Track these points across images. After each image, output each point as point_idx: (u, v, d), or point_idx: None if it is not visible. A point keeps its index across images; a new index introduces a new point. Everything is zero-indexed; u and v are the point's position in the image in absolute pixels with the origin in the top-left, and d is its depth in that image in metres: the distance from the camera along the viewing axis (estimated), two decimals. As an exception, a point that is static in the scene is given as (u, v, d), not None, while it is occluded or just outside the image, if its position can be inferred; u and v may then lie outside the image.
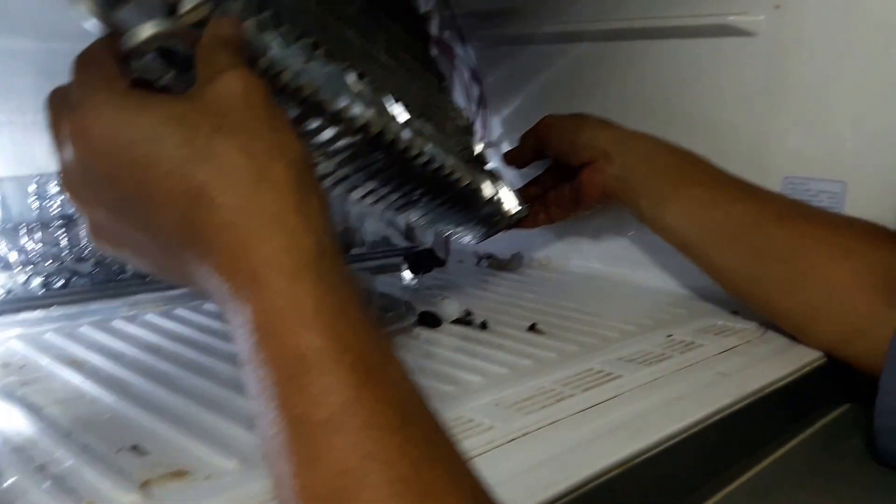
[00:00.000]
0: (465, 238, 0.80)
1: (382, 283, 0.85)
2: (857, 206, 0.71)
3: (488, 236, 0.81)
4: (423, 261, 0.78)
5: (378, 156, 0.53)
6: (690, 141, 0.76)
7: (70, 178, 0.38)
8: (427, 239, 1.00)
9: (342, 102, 0.47)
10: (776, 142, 0.76)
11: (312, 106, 0.45)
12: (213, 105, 0.36)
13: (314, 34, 0.49)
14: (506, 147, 0.96)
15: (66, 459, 0.41)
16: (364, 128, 0.49)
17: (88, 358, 0.59)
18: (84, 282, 0.78)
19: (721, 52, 0.79)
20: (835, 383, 0.65)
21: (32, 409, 0.48)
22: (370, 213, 0.98)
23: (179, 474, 0.40)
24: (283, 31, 0.44)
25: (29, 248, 0.75)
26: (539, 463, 0.43)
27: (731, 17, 0.77)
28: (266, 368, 0.33)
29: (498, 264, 0.93)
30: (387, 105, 0.55)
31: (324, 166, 0.52)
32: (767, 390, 0.57)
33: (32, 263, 0.76)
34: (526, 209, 0.81)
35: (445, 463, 0.32)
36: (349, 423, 0.31)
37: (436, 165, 0.59)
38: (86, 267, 0.78)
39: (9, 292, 0.74)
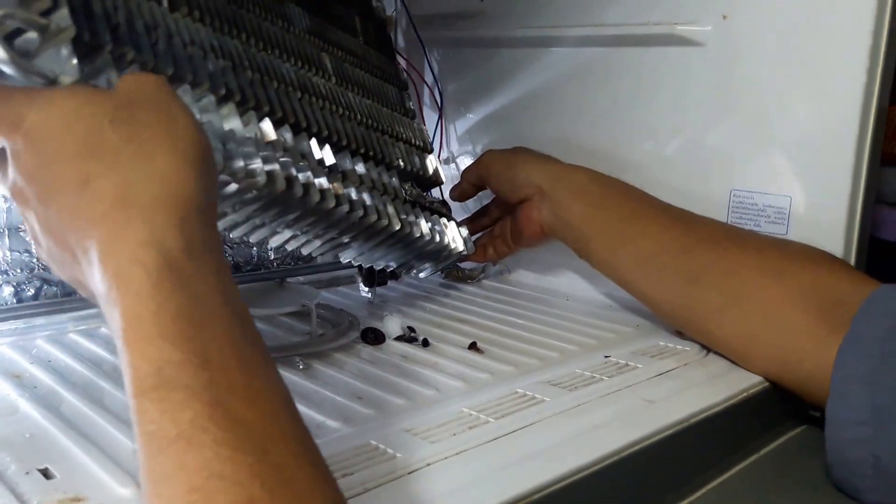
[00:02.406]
0: (412, 273, 0.81)
1: (341, 294, 0.86)
2: (803, 220, 0.71)
3: (435, 271, 0.83)
4: (376, 274, 0.79)
5: (292, 205, 0.54)
6: (642, 150, 0.77)
7: (12, 183, 0.40)
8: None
9: (238, 163, 0.48)
10: (724, 153, 0.76)
11: None
12: (112, 97, 0.38)
13: (228, 85, 0.50)
14: (468, 156, 0.98)
15: (-29, 483, 0.43)
16: (268, 183, 0.50)
17: (33, 372, 0.60)
18: (55, 290, 0.80)
19: (672, 62, 0.79)
20: (785, 406, 0.65)
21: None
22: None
23: (75, 500, 0.42)
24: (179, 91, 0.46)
25: (-1, 256, 0.77)
26: (431, 499, 0.43)
27: (679, 27, 0.77)
28: (127, 378, 0.33)
29: (460, 275, 0.93)
30: (308, 149, 0.56)
31: (234, 217, 0.53)
32: (694, 420, 0.56)
33: (3, 272, 0.78)
34: (472, 246, 0.83)
35: (302, 490, 0.31)
36: (199, 440, 0.30)
37: (360, 213, 0.59)
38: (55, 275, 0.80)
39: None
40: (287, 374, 0.61)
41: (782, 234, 0.73)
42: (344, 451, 0.48)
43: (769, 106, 0.73)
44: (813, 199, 0.71)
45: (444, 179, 0.81)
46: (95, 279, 0.36)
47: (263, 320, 0.74)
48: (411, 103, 0.82)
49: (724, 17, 0.74)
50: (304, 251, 0.64)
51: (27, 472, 0.45)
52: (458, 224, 0.81)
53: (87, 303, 0.74)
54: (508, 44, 0.95)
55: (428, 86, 1.01)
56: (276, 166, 0.51)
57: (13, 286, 0.79)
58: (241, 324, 0.36)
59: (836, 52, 0.68)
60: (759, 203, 0.74)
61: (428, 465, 0.47)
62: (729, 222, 0.76)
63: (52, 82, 0.41)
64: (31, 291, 0.79)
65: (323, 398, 0.57)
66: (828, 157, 0.70)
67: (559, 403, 0.56)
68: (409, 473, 0.46)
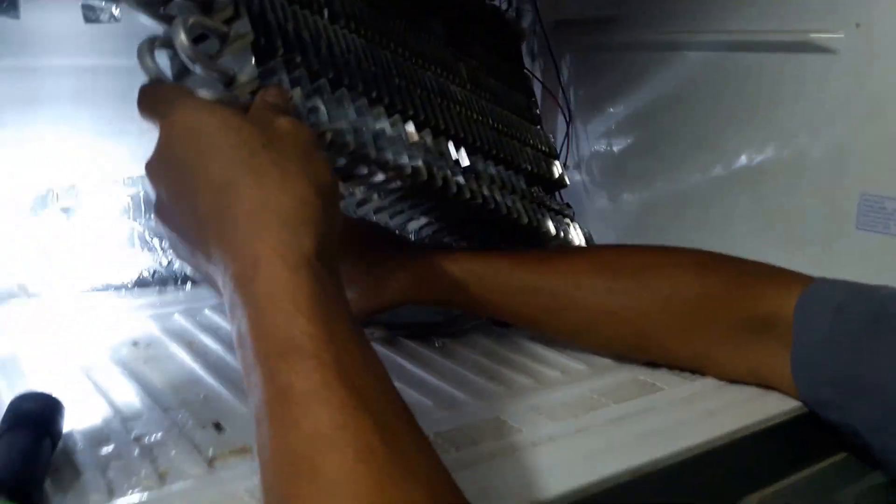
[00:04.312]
0: None
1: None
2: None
3: None
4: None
5: (431, 196, 0.60)
6: (773, 153, 0.80)
7: (152, 159, 0.46)
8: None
9: (388, 155, 0.54)
10: (854, 159, 0.76)
11: (361, 156, 0.52)
12: (266, 130, 0.44)
13: (379, 90, 0.57)
14: (601, 161, 1.01)
15: (158, 432, 0.51)
16: (413, 174, 0.56)
17: (203, 341, 0.69)
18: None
19: (804, 68, 0.80)
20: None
21: (147, 386, 0.59)
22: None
23: (243, 451, 0.49)
24: (337, 95, 0.52)
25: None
26: (552, 469, 0.48)
27: (812, 35, 0.78)
28: (260, 343, 0.38)
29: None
30: (447, 151, 0.61)
31: (380, 202, 0.59)
32: (798, 413, 0.59)
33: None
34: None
35: (414, 454, 0.36)
36: (328, 397, 0.35)
37: (492, 206, 0.64)
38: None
39: (153, 273, 0.86)
40: (426, 352, 0.67)
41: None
42: (474, 423, 0.53)
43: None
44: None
45: (567, 183, 0.85)
46: (226, 262, 0.41)
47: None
48: (538, 110, 0.86)
49: (858, 24, 0.75)
50: (440, 238, 0.69)
51: (203, 427, 0.52)
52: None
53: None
54: (643, 47, 0.97)
55: (551, 92, 1.05)
56: (420, 161, 0.57)
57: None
58: (353, 317, 0.41)
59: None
60: (889, 207, 0.75)
61: (551, 439, 0.51)
62: (856, 227, 0.77)
63: (230, 80, 0.48)
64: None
65: (457, 374, 0.62)
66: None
67: (677, 392, 0.60)
68: (533, 446, 0.50)
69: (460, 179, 0.61)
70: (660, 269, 0.63)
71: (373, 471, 0.33)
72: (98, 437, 0.50)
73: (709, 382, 0.62)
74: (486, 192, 0.64)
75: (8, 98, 0.74)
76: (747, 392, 0.60)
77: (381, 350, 0.66)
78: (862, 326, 0.55)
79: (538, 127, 0.86)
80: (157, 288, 0.84)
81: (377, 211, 0.61)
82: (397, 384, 0.56)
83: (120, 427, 0.51)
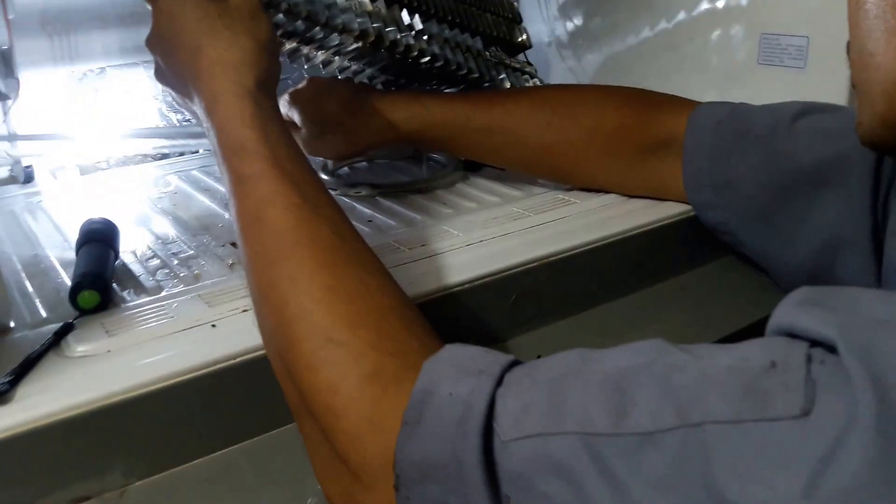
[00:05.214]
0: None
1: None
2: (819, 58, 0.85)
3: None
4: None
5: (384, 55, 0.74)
6: (705, 6, 0.94)
7: (149, 35, 0.64)
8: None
9: (338, 20, 0.69)
10: (764, 4, 0.90)
11: (314, 21, 0.68)
12: (222, 5, 0.60)
13: None
14: (565, 24, 1.16)
15: (190, 249, 0.69)
16: (362, 36, 0.71)
17: (218, 188, 0.86)
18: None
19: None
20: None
21: (177, 219, 0.77)
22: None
23: (253, 259, 0.66)
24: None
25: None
26: (485, 258, 0.65)
27: None
28: (223, 150, 0.54)
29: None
30: (399, 17, 0.75)
31: (341, 62, 0.74)
32: (682, 216, 0.75)
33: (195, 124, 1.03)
34: None
35: (325, 208, 0.52)
36: (265, 176, 0.52)
37: (440, 63, 0.78)
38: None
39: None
40: (418, 198, 0.83)
41: (800, 70, 0.88)
42: (425, 233, 0.70)
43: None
44: (829, 39, 0.84)
45: (531, 45, 0.97)
46: (199, 100, 0.58)
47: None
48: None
49: None
50: None
51: (223, 245, 0.70)
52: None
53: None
54: None
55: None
56: (369, 25, 0.71)
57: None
58: (288, 132, 0.57)
59: None
60: (783, 44, 0.89)
61: (481, 241, 0.68)
62: (758, 62, 0.92)
63: None
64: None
65: (420, 204, 0.79)
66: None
67: (586, 204, 0.76)
68: (466, 246, 0.67)
69: (410, 40, 0.75)
70: (586, 106, 0.77)
71: (294, 216, 0.50)
72: (146, 254, 0.68)
73: (614, 197, 0.78)
74: (436, 50, 0.78)
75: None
76: (647, 203, 0.76)
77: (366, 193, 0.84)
78: (735, 138, 0.69)
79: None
80: (178, 153, 1.01)
81: (341, 70, 0.76)
82: (372, 213, 0.74)
83: (161, 248, 0.69)
